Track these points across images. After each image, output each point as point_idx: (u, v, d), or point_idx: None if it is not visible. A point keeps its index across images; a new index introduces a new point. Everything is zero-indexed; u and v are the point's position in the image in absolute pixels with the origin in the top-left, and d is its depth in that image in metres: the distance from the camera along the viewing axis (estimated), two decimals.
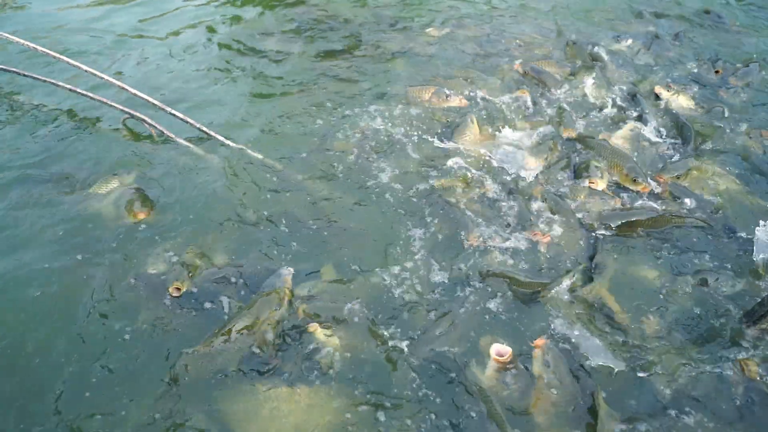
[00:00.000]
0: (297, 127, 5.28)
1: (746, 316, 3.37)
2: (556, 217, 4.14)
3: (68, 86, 5.19)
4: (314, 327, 3.23)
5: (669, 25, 7.44)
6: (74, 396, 3.00)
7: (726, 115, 5.44)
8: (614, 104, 5.65)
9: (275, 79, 6.15)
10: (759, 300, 3.33)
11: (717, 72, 5.83)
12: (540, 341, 3.15)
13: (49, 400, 2.98)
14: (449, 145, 4.95)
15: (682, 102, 5.60)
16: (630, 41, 6.88)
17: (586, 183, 4.46)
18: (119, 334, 3.31)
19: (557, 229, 4.04)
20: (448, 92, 5.60)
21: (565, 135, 5.11)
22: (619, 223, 4.12)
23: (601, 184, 4.46)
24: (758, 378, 3.06)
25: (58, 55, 5.22)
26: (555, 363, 3.04)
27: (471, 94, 5.66)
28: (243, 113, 5.52)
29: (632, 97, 5.74)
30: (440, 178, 4.53)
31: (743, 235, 4.05)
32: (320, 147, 4.96)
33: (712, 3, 8.09)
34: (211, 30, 7.27)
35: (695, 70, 6.26)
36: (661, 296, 3.60)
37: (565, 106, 5.57)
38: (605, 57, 6.49)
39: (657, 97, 5.76)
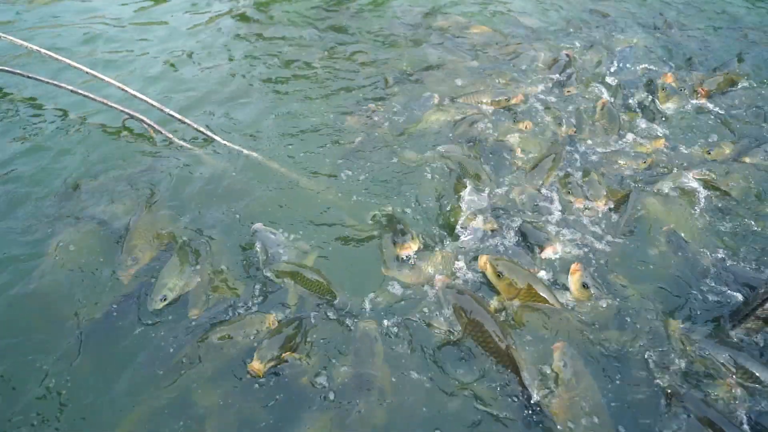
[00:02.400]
0: (298, 128, 5.33)
1: (732, 316, 3.42)
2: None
3: (70, 87, 5.27)
4: (288, 354, 3.22)
5: (689, 32, 7.41)
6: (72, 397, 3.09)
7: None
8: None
9: (277, 79, 6.21)
10: (744, 300, 3.38)
11: (704, 90, 5.83)
12: (559, 344, 3.19)
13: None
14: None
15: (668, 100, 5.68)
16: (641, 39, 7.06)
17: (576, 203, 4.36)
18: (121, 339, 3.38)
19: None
20: (507, 94, 5.64)
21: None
22: None
23: (579, 203, 4.33)
24: (678, 336, 3.26)
25: (60, 57, 5.30)
26: (573, 363, 3.09)
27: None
28: (242, 114, 5.59)
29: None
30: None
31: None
32: (321, 148, 5.02)
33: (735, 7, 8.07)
34: (211, 30, 7.35)
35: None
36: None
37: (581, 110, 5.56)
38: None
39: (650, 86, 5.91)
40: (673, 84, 5.87)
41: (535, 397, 2.98)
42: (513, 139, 5.04)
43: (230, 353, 3.21)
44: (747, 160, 4.82)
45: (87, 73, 5.20)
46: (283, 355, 3.12)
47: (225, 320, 3.40)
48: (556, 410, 2.95)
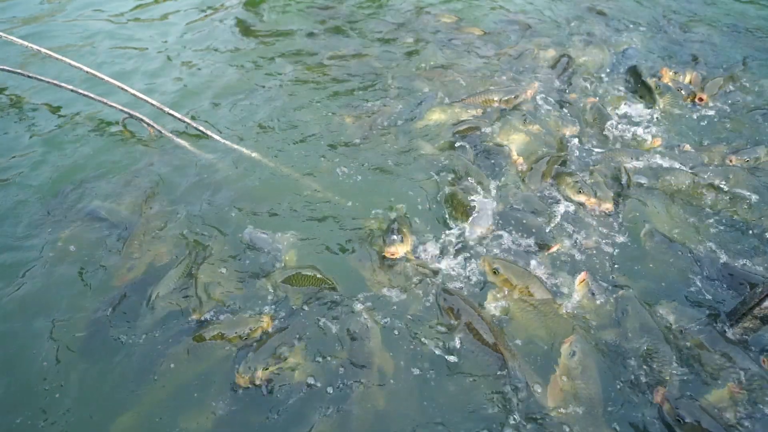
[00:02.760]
0: (298, 127, 5.33)
1: (729, 315, 3.41)
2: None
3: (69, 87, 5.28)
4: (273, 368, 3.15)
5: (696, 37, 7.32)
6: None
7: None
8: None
9: (277, 79, 6.21)
10: (741, 299, 3.38)
11: (701, 99, 5.78)
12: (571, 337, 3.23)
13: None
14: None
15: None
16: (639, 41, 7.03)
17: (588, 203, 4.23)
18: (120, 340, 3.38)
19: None
20: (515, 92, 5.57)
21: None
22: None
23: (591, 204, 4.23)
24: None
25: (60, 57, 5.32)
26: (581, 354, 3.11)
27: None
28: (242, 113, 5.59)
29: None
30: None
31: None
32: (321, 148, 5.02)
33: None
34: (210, 28, 7.36)
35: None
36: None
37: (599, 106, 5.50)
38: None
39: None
40: (670, 82, 5.85)
41: (520, 376, 3.04)
42: (512, 142, 4.99)
43: (223, 353, 3.21)
44: (733, 160, 4.79)
45: (87, 72, 5.22)
46: (266, 369, 3.06)
47: (220, 320, 3.40)
48: (551, 393, 2.99)
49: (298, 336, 3.30)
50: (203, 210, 4.32)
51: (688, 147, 5.02)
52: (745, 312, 3.29)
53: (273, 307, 3.53)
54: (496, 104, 5.50)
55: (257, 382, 3.04)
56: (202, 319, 3.41)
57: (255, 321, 3.34)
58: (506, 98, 5.52)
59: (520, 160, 4.81)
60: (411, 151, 4.96)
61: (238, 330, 3.28)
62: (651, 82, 5.80)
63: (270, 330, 3.34)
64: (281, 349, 3.17)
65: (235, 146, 4.93)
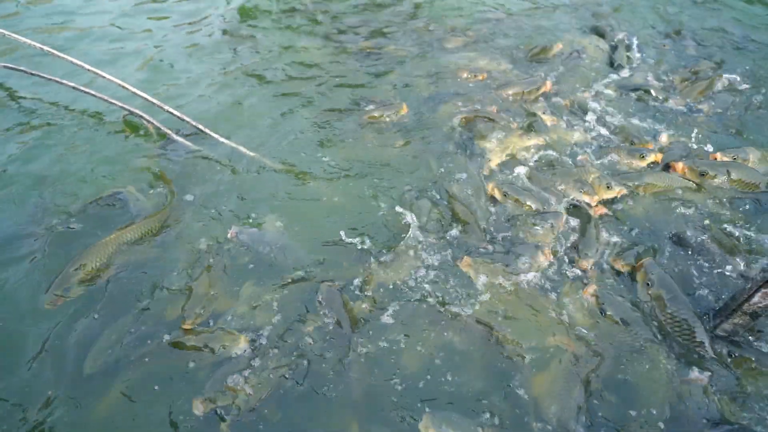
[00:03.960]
0: (299, 126, 5.36)
1: (719, 311, 3.43)
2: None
3: (71, 84, 5.36)
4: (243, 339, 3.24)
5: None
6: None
7: None
8: None
9: (279, 78, 6.24)
10: (731, 296, 3.39)
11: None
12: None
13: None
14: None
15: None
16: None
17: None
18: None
19: None
20: (536, 83, 5.66)
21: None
22: None
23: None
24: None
25: (61, 55, 5.40)
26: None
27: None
28: (239, 112, 5.64)
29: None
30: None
31: None
32: (324, 147, 5.06)
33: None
34: (211, 23, 7.43)
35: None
36: None
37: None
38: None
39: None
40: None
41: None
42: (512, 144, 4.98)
43: (194, 365, 3.20)
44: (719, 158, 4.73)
45: (88, 70, 5.29)
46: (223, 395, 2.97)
47: (196, 331, 3.35)
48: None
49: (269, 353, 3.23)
50: (200, 210, 4.34)
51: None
52: (735, 308, 3.30)
53: (255, 325, 3.43)
54: (515, 97, 5.58)
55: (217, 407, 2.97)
56: (190, 326, 3.35)
57: (232, 340, 3.24)
58: (528, 90, 5.61)
59: (494, 164, 4.76)
60: (417, 147, 5.00)
61: (213, 346, 3.22)
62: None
63: (246, 348, 3.24)
64: (238, 380, 3.06)
65: (234, 144, 4.97)
